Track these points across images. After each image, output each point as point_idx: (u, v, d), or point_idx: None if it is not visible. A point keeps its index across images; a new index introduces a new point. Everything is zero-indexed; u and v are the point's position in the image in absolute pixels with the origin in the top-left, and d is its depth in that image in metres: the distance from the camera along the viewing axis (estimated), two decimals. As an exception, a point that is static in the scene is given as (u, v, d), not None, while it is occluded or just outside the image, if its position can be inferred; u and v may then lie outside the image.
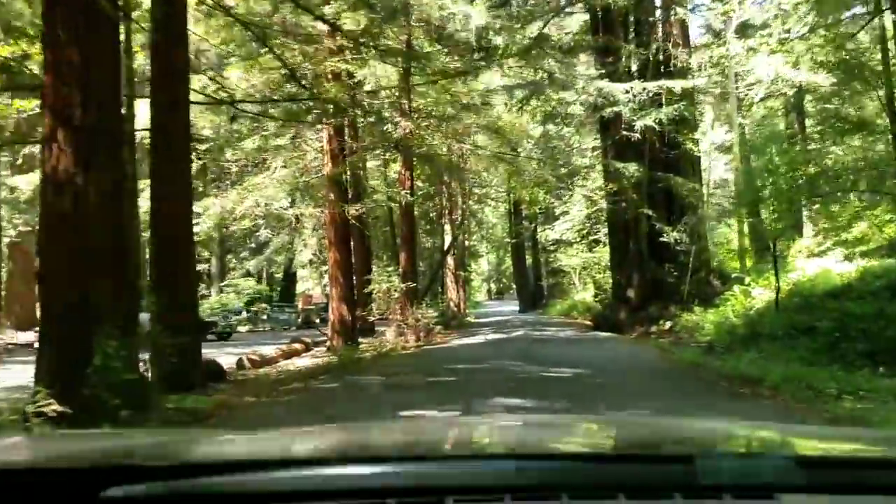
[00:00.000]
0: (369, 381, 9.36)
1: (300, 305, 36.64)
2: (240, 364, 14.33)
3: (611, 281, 29.78)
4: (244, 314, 35.47)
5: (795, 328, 13.11)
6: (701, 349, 14.94)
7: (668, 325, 19.23)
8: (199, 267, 38.48)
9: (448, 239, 28.57)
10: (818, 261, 19.58)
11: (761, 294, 17.47)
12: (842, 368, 9.59)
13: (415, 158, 22.55)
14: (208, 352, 18.32)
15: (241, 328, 34.31)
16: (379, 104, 15.45)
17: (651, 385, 8.75)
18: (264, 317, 34.49)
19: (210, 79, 11.58)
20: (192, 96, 10.59)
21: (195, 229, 22.20)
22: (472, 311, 47.04)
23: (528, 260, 47.65)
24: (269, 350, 16.64)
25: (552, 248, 39.93)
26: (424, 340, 18.06)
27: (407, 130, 16.23)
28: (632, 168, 17.91)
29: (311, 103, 14.30)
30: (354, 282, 18.63)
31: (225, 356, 13.84)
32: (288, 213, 18.97)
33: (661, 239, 18.92)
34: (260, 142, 17.62)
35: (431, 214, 29.51)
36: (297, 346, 18.74)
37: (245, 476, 1.14)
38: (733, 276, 19.84)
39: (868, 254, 19.57)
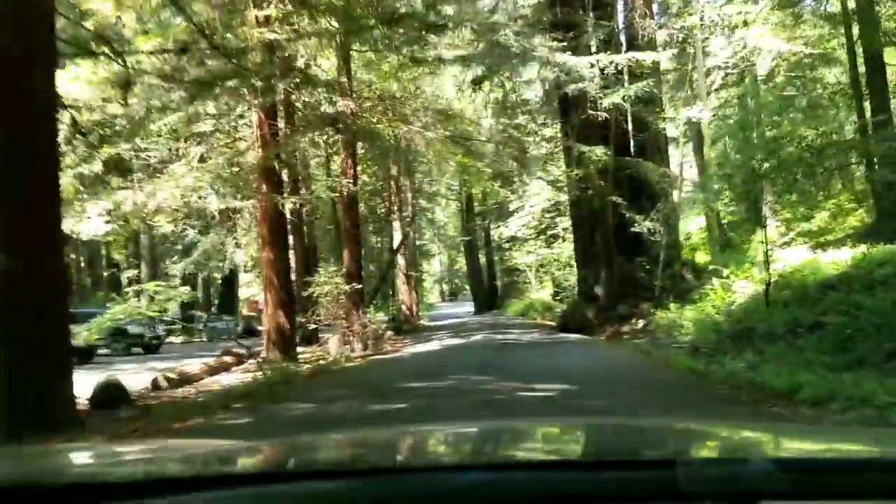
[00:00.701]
0: (295, 411, 7.24)
1: (244, 312, 34.21)
2: (155, 384, 12.09)
3: (573, 278, 28.34)
4: (177, 324, 32.82)
5: (797, 325, 11.49)
6: (685, 351, 13.24)
7: (640, 324, 17.56)
8: (130, 273, 35.74)
9: (398, 237, 26.52)
10: (784, 252, 18.24)
11: (744, 287, 15.94)
12: (875, 374, 7.91)
13: (359, 148, 20.51)
14: (129, 367, 16.25)
15: (176, 339, 31.76)
16: (315, 77, 13.29)
17: (659, 403, 6.89)
18: (200, 326, 31.87)
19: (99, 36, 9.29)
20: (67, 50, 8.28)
21: (105, 228, 19.97)
22: (425, 313, 45.12)
23: (482, 259, 45.87)
24: (195, 365, 14.35)
25: (507, 245, 38.26)
26: (373, 349, 15.97)
27: (347, 109, 14.12)
28: (598, 151, 16.15)
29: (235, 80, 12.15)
30: (294, 285, 16.47)
31: (146, 373, 11.78)
32: (211, 207, 16.58)
33: (633, 230, 17.23)
34: (180, 124, 15.31)
35: (380, 211, 27.37)
36: (228, 359, 16.42)
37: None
38: (710, 268, 18.29)
39: (837, 242, 18.32)
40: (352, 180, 15.92)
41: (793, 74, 26.43)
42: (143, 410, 9.23)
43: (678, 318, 16.22)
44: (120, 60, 9.34)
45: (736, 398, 7.26)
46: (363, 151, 21.21)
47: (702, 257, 23.18)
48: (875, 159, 21.50)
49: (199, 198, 16.36)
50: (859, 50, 20.98)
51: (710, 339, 13.87)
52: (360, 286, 16.19)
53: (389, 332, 21.32)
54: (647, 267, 18.08)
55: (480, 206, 41.63)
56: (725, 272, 17.19)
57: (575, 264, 27.33)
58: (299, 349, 18.73)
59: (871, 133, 16.95)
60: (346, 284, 16.16)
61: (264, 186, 15.81)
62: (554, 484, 1.13)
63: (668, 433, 1.87)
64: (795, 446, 1.66)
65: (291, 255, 17.30)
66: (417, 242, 49.83)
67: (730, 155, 17.44)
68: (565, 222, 28.14)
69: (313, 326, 17.24)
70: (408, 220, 27.03)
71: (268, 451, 1.62)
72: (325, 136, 16.71)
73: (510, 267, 39.19)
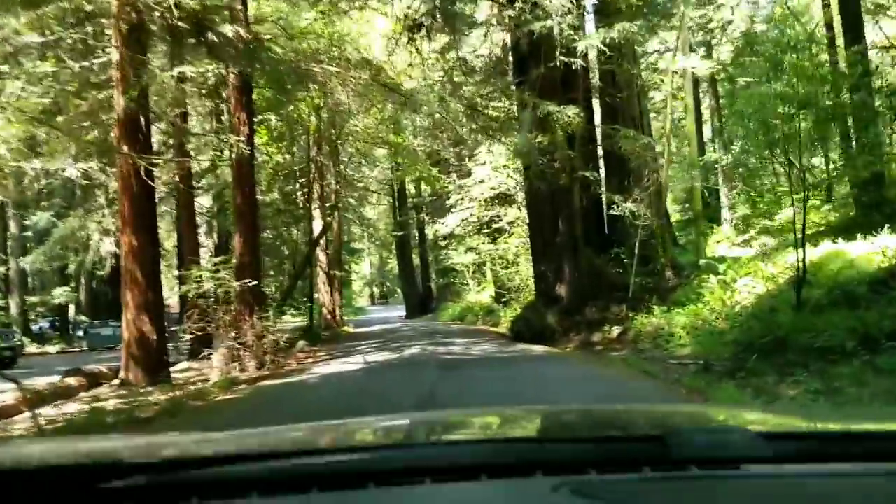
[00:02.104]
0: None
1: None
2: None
3: (519, 277, 24.80)
4: (51, 330, 27.75)
5: (868, 336, 8.13)
6: (693, 370, 9.73)
7: (615, 331, 14.05)
8: None
9: (318, 228, 22.37)
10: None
11: (747, 285, 12.65)
12: None
13: (256, 100, 16.41)
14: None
15: (52, 348, 26.78)
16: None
17: None
18: (80, 333, 26.92)
19: None
20: None
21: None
22: (352, 318, 41.06)
23: (416, 260, 41.97)
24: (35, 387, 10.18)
25: (443, 243, 34.51)
26: (272, 367, 11.89)
27: (237, 34, 10.07)
28: (570, 111, 12.53)
29: None
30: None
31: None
32: (70, 173, 12.20)
33: (611, 213, 13.72)
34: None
35: (297, 196, 23.10)
36: (74, 381, 12.08)
37: (227, 468, 1.18)
38: (702, 263, 14.97)
39: (813, 238, 15.41)
40: (244, 139, 11.81)
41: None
42: None
43: (666, 325, 12.79)
44: None
45: None
46: (261, 102, 17.11)
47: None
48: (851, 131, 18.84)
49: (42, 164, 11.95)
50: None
51: (720, 353, 10.45)
52: (255, 283, 12.07)
53: (303, 343, 17.26)
54: (625, 260, 14.58)
55: (414, 200, 37.80)
56: (721, 267, 13.90)
57: (524, 260, 23.86)
58: (179, 366, 14.49)
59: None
60: (235, 281, 12.06)
61: (125, 146, 11.63)
62: (552, 453, 1.25)
63: (659, 414, 2.09)
64: (777, 421, 1.83)
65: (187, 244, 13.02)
66: (345, 240, 45.70)
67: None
68: (512, 213, 24.52)
69: (187, 338, 13.03)
70: (330, 208, 22.89)
71: (304, 430, 1.72)
72: (212, 79, 12.60)
73: (446, 267, 35.37)
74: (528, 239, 23.58)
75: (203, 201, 23.76)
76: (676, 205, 33.46)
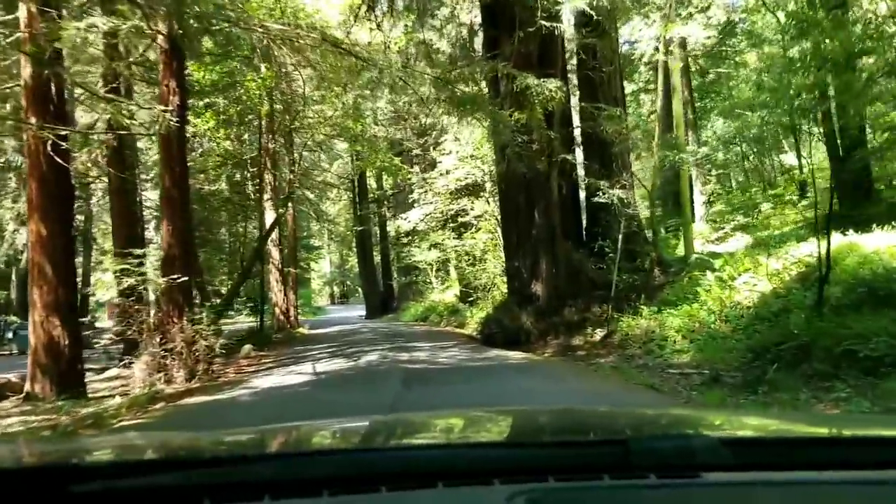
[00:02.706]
0: None
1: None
2: None
3: (485, 276, 23.30)
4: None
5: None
6: (699, 381, 8.30)
7: (598, 334, 12.62)
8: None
9: (271, 219, 20.51)
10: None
11: (747, 283, 11.31)
12: None
13: (200, 80, 14.67)
14: None
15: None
16: None
17: None
18: (10, 335, 24.57)
19: None
20: None
21: None
22: (311, 318, 39.22)
23: (377, 258, 40.20)
24: None
25: (406, 240, 32.87)
26: (205, 378, 10.14)
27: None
28: (551, 85, 11.01)
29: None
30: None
31: None
32: None
33: (596, 200, 12.26)
34: None
35: (248, 187, 21.19)
36: (-33, 395, 10.22)
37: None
38: (693, 258, 13.63)
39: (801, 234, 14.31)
40: (174, 110, 10.02)
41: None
42: None
43: (657, 328, 11.38)
44: None
45: None
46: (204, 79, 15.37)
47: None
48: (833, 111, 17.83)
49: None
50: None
51: (727, 361, 9.06)
52: (184, 279, 10.28)
53: (248, 347, 15.49)
54: (610, 254, 13.14)
55: (376, 193, 36.12)
56: (716, 263, 12.56)
57: (492, 257, 22.36)
58: (109, 374, 12.64)
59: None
60: (162, 276, 10.27)
61: (32, 117, 9.79)
62: (512, 460, 1.22)
63: (622, 417, 1.98)
64: (739, 426, 1.77)
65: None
66: (303, 235, 43.76)
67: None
68: (480, 207, 22.97)
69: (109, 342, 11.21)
70: (283, 199, 21.06)
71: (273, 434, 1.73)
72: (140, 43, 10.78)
73: (408, 265, 33.69)
74: (496, 234, 22.13)
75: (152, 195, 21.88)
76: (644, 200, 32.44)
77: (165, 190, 10.59)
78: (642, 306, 12.15)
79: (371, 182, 37.79)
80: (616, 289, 13.28)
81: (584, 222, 15.09)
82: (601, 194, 11.94)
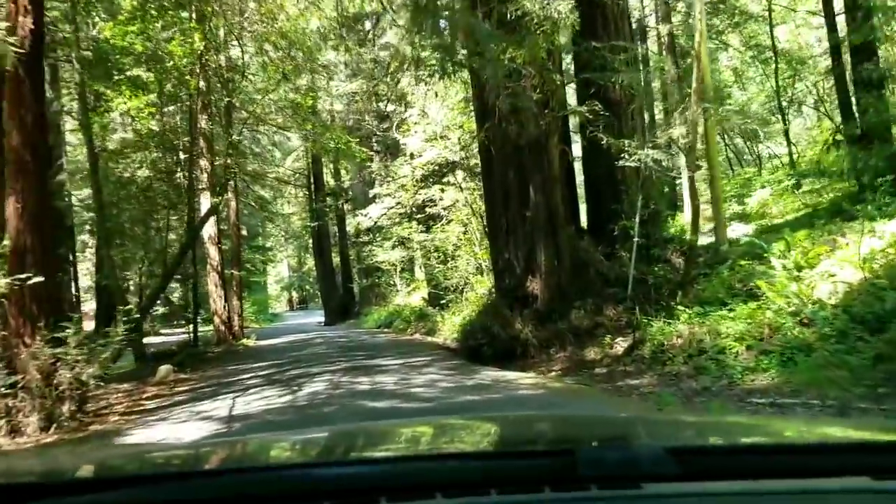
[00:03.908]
0: None
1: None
2: None
3: (458, 274, 20.24)
4: None
5: None
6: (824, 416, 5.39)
7: (620, 344, 9.65)
8: None
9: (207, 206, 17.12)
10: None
11: (820, 273, 8.48)
12: None
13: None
14: None
15: None
16: None
17: None
18: None
19: None
20: None
21: None
22: (266, 326, 35.85)
23: (336, 258, 36.78)
24: None
25: (367, 238, 29.69)
26: (73, 423, 6.92)
27: None
28: (562, 7, 8.00)
29: None
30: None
31: None
32: None
33: (622, 163, 9.26)
34: None
35: (178, 173, 17.72)
36: None
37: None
38: (743, 241, 10.75)
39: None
40: (26, 35, 6.75)
41: None
42: None
43: (706, 336, 8.43)
44: None
45: None
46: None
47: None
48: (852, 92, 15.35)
49: None
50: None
51: (841, 383, 6.17)
52: (40, 280, 7.00)
53: (167, 369, 12.19)
54: (642, 240, 10.13)
55: (332, 185, 32.85)
56: (774, 248, 9.67)
57: (465, 252, 19.30)
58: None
59: None
60: (6, 277, 6.99)
61: None
62: (455, 473, 1.18)
63: (570, 425, 1.98)
64: (686, 434, 1.74)
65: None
66: (255, 237, 40.22)
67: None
68: (450, 196, 19.83)
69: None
70: (220, 187, 17.66)
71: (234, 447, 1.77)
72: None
73: (370, 266, 30.43)
74: (471, 225, 19.11)
75: None
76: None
77: (13, 150, 7.25)
78: (679, 307, 9.21)
79: (329, 179, 34.52)
80: (635, 284, 10.36)
81: (587, 203, 12.13)
82: (625, 157, 8.93)
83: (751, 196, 21.77)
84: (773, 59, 22.59)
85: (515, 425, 2.00)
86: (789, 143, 24.96)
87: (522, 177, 10.94)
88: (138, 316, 13.88)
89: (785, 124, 24.68)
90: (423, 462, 1.32)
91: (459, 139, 16.51)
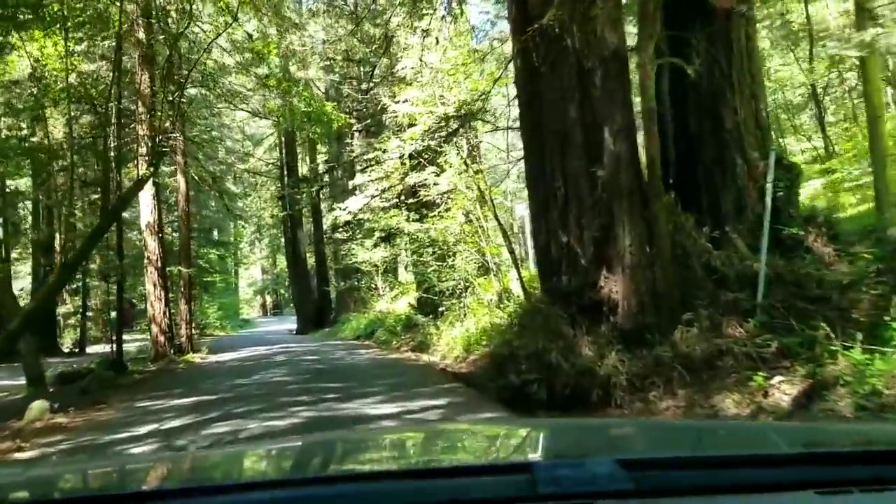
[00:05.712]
0: None
1: None
2: None
3: (458, 274, 16.17)
4: None
5: None
6: None
7: (782, 386, 5.66)
8: None
9: (147, 200, 12.85)
10: None
11: None
12: None
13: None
14: None
15: None
16: None
17: None
18: None
19: None
20: None
21: None
22: (229, 334, 31.89)
23: (311, 259, 32.43)
24: None
25: (345, 235, 25.68)
26: None
27: None
28: None
29: None
30: None
31: None
32: None
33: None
34: None
35: (109, 138, 13.44)
36: None
37: None
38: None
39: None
40: None
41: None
42: None
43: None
44: None
45: None
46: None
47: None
48: None
49: None
50: None
51: None
52: None
53: (40, 407, 8.07)
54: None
55: (308, 169, 28.70)
56: None
57: (470, 246, 15.20)
58: None
59: None
60: None
61: None
62: (418, 493, 1.15)
63: (532, 437, 1.89)
64: (641, 446, 1.71)
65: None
66: (219, 234, 36.05)
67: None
68: (446, 179, 15.62)
69: None
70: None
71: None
72: None
73: (348, 266, 26.27)
74: (475, 211, 15.07)
75: None
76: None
77: None
78: (892, 330, 5.27)
79: (303, 168, 30.37)
80: (768, 285, 6.46)
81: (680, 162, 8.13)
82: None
83: None
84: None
85: (477, 436, 2.01)
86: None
87: (590, 115, 6.94)
88: (18, 326, 9.76)
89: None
90: (388, 482, 1.24)
91: (470, 92, 12.43)
